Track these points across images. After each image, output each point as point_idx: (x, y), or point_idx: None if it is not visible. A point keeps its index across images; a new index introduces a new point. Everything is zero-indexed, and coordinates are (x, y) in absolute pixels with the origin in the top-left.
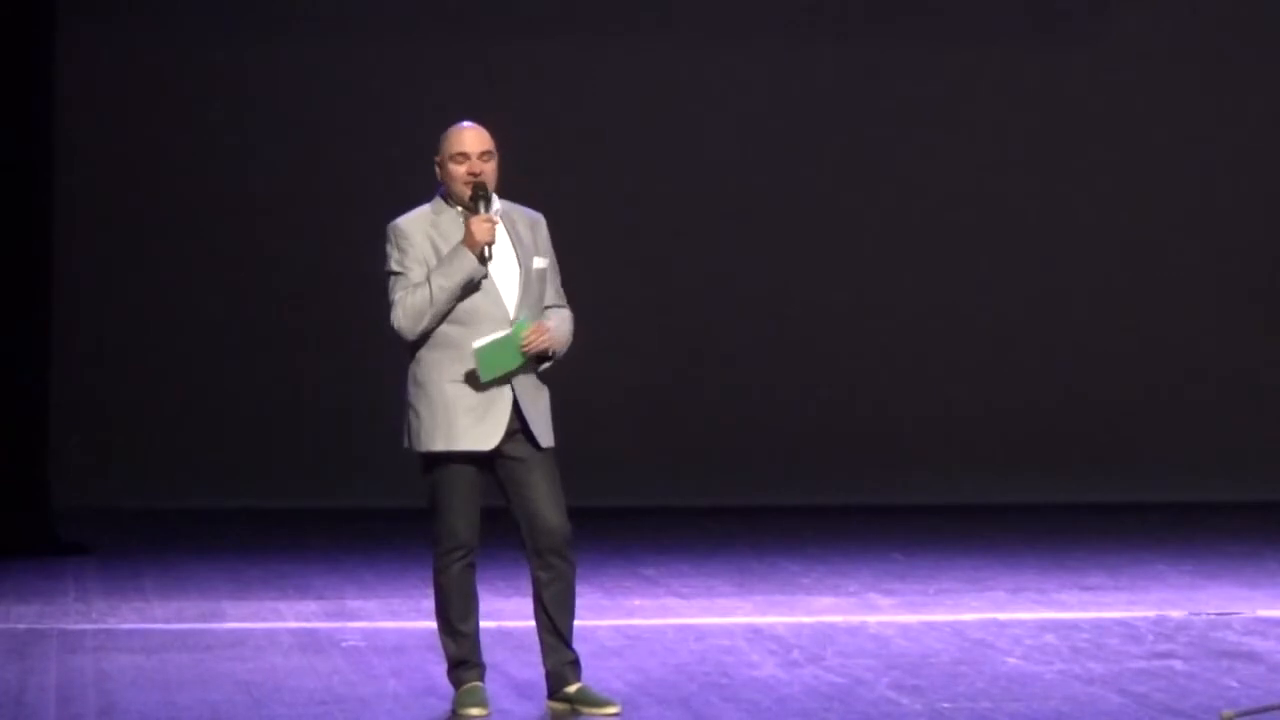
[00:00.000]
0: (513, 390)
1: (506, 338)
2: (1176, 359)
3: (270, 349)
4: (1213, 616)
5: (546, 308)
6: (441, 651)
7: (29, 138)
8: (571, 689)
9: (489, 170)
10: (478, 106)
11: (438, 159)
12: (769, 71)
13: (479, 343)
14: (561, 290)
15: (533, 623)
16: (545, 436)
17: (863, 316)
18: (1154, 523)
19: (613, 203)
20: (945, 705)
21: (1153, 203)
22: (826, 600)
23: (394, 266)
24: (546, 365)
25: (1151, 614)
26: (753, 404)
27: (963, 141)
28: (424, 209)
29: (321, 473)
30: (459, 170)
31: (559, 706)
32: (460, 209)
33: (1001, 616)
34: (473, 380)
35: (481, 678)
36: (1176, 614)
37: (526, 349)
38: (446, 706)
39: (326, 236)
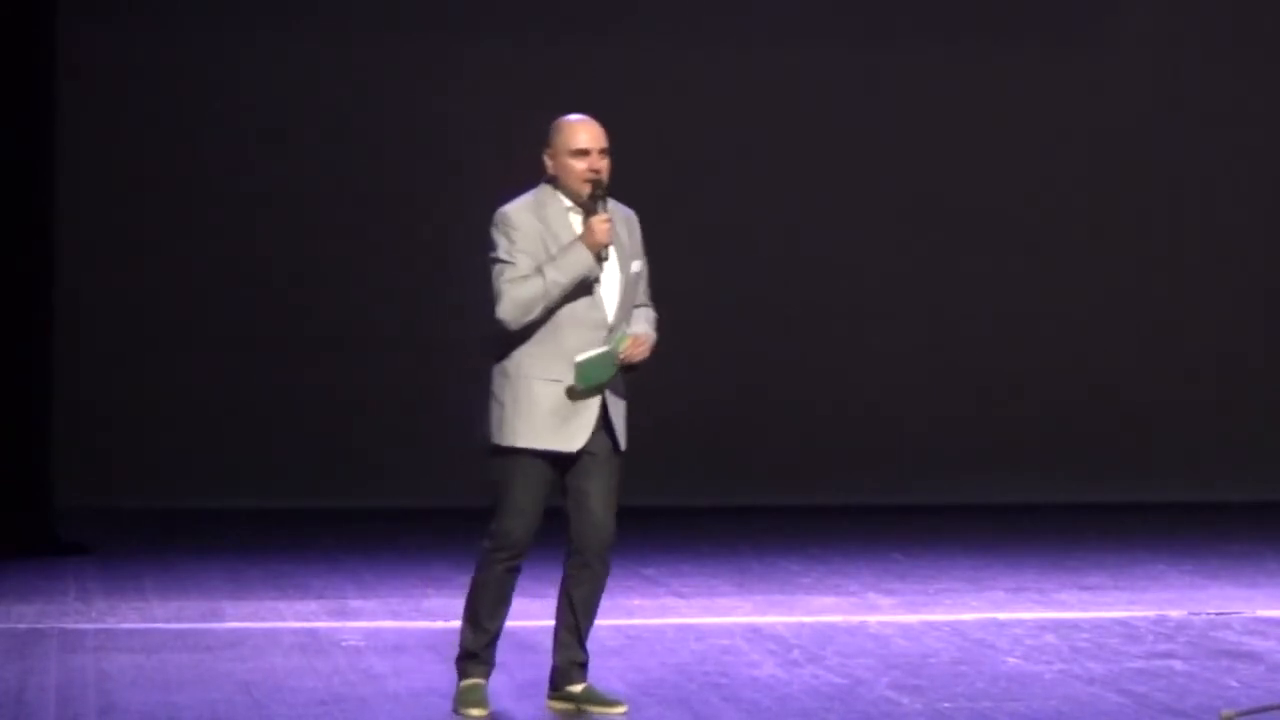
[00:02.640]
0: (603, 393)
1: (606, 353)
2: (1177, 359)
3: (271, 349)
4: (1213, 616)
5: (635, 307)
6: (458, 638)
7: (29, 138)
8: (577, 688)
9: (607, 168)
10: (478, 106)
11: (549, 151)
12: (770, 72)
13: (581, 356)
14: (648, 289)
15: (534, 622)
16: (623, 439)
17: (863, 316)
18: (1154, 523)
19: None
20: (945, 705)
21: (1154, 203)
22: (826, 600)
23: (502, 255)
24: (632, 371)
25: (1151, 614)
26: (753, 404)
27: (964, 141)
28: (527, 198)
29: (321, 473)
30: (578, 166)
31: (561, 705)
32: (570, 204)
33: (1001, 616)
34: (564, 382)
35: (486, 676)
36: (1176, 614)
37: (624, 361)
38: (446, 706)
39: (326, 236)
